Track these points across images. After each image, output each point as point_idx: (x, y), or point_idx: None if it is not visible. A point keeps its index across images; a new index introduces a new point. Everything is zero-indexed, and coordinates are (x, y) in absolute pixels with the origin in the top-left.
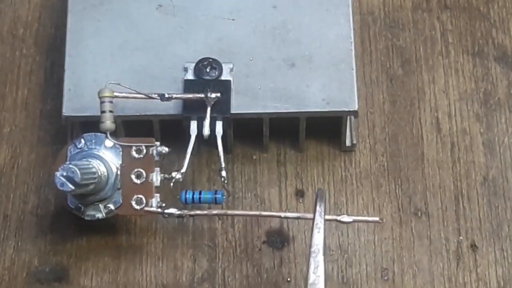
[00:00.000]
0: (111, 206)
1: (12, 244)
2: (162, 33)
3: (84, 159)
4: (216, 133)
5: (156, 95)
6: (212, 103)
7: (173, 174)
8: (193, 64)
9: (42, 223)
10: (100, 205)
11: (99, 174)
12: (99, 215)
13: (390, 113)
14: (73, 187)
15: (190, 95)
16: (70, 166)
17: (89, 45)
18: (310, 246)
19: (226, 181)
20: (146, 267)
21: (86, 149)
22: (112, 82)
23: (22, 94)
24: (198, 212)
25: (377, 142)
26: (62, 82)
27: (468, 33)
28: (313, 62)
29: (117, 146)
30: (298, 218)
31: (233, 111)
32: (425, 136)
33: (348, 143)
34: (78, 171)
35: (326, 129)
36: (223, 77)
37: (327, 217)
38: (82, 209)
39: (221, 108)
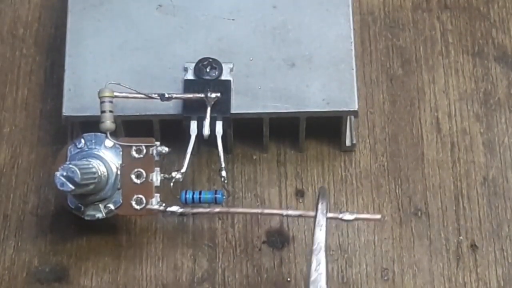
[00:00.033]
0: (111, 206)
1: (12, 244)
2: (162, 33)
3: (84, 159)
4: (216, 133)
5: (156, 95)
6: (212, 103)
7: (173, 174)
8: (193, 64)
9: (42, 223)
10: (100, 205)
11: (99, 174)
12: (99, 215)
13: (390, 113)
14: (73, 187)
15: (190, 95)
16: (70, 166)
17: (89, 45)
18: (312, 244)
19: (226, 181)
20: (146, 267)
21: (86, 149)
22: (112, 82)
23: (22, 94)
24: (201, 209)
25: (377, 142)
26: (62, 82)
27: (468, 33)
28: (313, 62)
29: (117, 146)
30: (299, 216)
31: (233, 111)
32: (425, 136)
33: (348, 143)
34: (78, 171)
35: (326, 129)
36: (223, 77)
37: (329, 214)
38: (82, 209)
39: (221, 108)
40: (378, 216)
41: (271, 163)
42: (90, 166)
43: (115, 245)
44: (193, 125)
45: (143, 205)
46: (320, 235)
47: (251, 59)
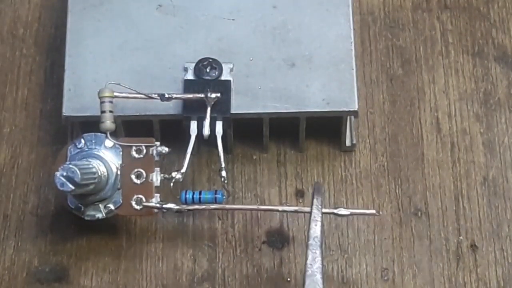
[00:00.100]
0: (111, 206)
1: (12, 244)
2: (162, 33)
3: (84, 159)
4: (216, 133)
5: (156, 95)
6: (212, 103)
7: (173, 174)
8: (193, 64)
9: (42, 223)
10: (100, 205)
11: (99, 174)
12: (99, 215)
13: (390, 113)
14: (73, 187)
15: (190, 95)
16: (70, 166)
17: (89, 45)
18: (308, 239)
19: (226, 181)
20: (146, 267)
21: (86, 149)
22: (112, 82)
23: (22, 94)
24: (197, 206)
25: (377, 142)
26: (62, 82)
27: (468, 33)
28: (313, 62)
29: (117, 146)
30: (295, 211)
31: (233, 111)
32: (425, 136)
33: (348, 143)
34: (78, 171)
35: (326, 129)
36: (223, 77)
37: (324, 210)
38: (82, 209)
39: (221, 108)
40: (373, 211)
41: (271, 163)
42: (90, 166)
43: (115, 245)
44: (193, 125)
45: (145, 202)
46: (315, 230)
47: (251, 59)
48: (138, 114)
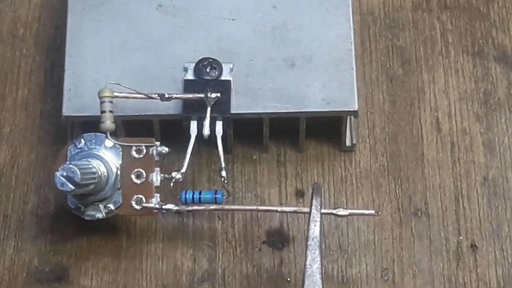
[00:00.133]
0: (111, 206)
1: (12, 244)
2: (162, 33)
3: (84, 159)
4: (216, 133)
5: (156, 95)
6: (212, 103)
7: (173, 174)
8: (193, 64)
9: (42, 223)
10: (100, 205)
11: (99, 174)
12: (99, 215)
13: (390, 113)
14: (73, 187)
15: (190, 95)
16: (70, 166)
17: (89, 45)
18: (307, 239)
19: (226, 181)
20: (146, 267)
21: (86, 149)
22: (112, 82)
23: (22, 94)
24: (195, 207)
25: (377, 142)
26: (62, 82)
27: (468, 33)
28: (313, 62)
29: (117, 146)
30: (294, 212)
31: (233, 111)
32: (425, 136)
33: (348, 143)
34: (78, 171)
35: (326, 129)
36: (223, 77)
37: (324, 210)
38: (82, 209)
39: (221, 108)
40: (372, 211)
41: (271, 163)
42: (90, 166)
43: (115, 245)
44: (193, 125)
45: (144, 203)
46: (315, 231)
47: (251, 59)
48: (138, 114)
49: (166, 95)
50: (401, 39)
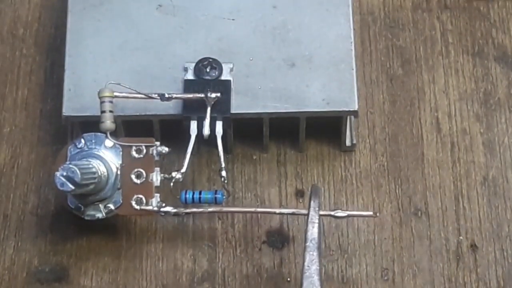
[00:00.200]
0: (111, 206)
1: (12, 244)
2: (162, 33)
3: (84, 159)
4: (216, 133)
5: (156, 95)
6: (212, 103)
7: (173, 174)
8: (193, 64)
9: (42, 223)
10: (100, 205)
11: (99, 174)
12: (99, 215)
13: (390, 113)
14: (73, 187)
15: (190, 95)
16: (70, 166)
17: (89, 45)
18: (305, 241)
19: (226, 181)
20: (146, 267)
21: (86, 149)
22: (112, 82)
23: (22, 94)
24: (194, 209)
25: (377, 142)
26: (62, 82)
27: (468, 33)
28: (313, 62)
29: (117, 146)
30: (292, 213)
31: (233, 111)
32: (425, 136)
33: (348, 143)
34: (78, 171)
35: (326, 129)
36: (223, 77)
37: (322, 212)
38: (82, 209)
39: (221, 108)
40: (370, 213)
41: (271, 163)
42: (90, 166)
43: (115, 245)
44: (193, 125)
45: (143, 205)
46: (313, 232)
47: (251, 59)
48: (138, 114)
49: (166, 95)
50: (401, 39)
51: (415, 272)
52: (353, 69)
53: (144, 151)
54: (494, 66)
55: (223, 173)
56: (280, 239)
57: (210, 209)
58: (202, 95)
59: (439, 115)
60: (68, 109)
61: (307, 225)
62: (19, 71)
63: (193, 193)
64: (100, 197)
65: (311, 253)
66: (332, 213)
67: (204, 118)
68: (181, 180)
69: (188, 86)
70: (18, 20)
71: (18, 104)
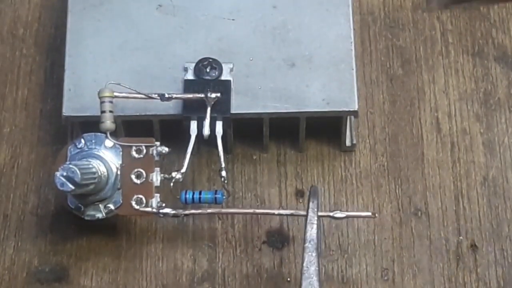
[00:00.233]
0: (111, 206)
1: (12, 244)
2: (162, 33)
3: (84, 159)
4: (216, 133)
5: (156, 95)
6: (212, 103)
7: (173, 174)
8: (193, 64)
9: (42, 223)
10: (100, 205)
11: (99, 174)
12: (99, 215)
13: (390, 113)
14: (73, 187)
15: (190, 95)
16: (70, 166)
17: (89, 45)
18: (304, 242)
19: (226, 181)
20: (146, 267)
21: (86, 149)
22: (112, 82)
23: (22, 94)
24: (193, 211)
25: (377, 142)
26: (62, 82)
27: (468, 33)
28: (313, 62)
29: (117, 146)
30: (291, 214)
31: (233, 111)
32: (425, 136)
33: (348, 143)
34: (78, 171)
35: (326, 129)
36: (223, 77)
37: (321, 213)
38: (82, 209)
39: (221, 108)
40: (369, 213)
41: (271, 163)
42: (90, 166)
43: (115, 245)
44: (193, 125)
45: (143, 205)
46: (311, 233)
47: (251, 59)
48: (138, 114)
49: (166, 95)
50: (401, 39)
51: (415, 272)
52: (353, 69)
53: (144, 151)
54: (494, 66)
55: (223, 173)
56: (280, 239)
57: (209, 211)
58: (202, 95)
59: (439, 115)
60: (68, 109)
61: (306, 226)
62: (19, 71)
63: (193, 193)
64: (100, 197)
65: (310, 254)
66: (331, 214)
67: (204, 118)
68: (181, 180)
69: (188, 86)
70: (18, 20)
71: (18, 104)
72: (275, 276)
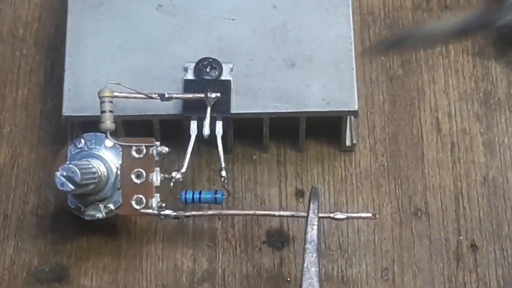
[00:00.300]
0: (111, 206)
1: (12, 244)
2: (162, 33)
3: (84, 159)
4: (216, 133)
5: (156, 95)
6: (212, 103)
7: (173, 174)
8: (193, 64)
9: (42, 223)
10: (100, 205)
11: (99, 174)
12: (99, 215)
13: (390, 113)
14: (73, 187)
15: (190, 95)
16: (70, 166)
17: (89, 45)
18: (304, 243)
19: (226, 181)
20: (146, 267)
21: (86, 149)
22: (112, 82)
23: (22, 94)
24: (194, 212)
25: (377, 142)
26: (62, 82)
27: None
28: (313, 62)
29: (117, 146)
30: (292, 216)
31: (233, 111)
32: (425, 136)
33: (348, 143)
34: (78, 171)
35: (326, 129)
36: (223, 77)
37: (321, 214)
38: (82, 209)
39: (221, 108)
40: (370, 214)
41: (271, 163)
42: (90, 166)
43: (115, 245)
44: (193, 125)
45: (143, 205)
46: (312, 234)
47: (251, 59)
48: (138, 114)
49: (166, 95)
50: None
51: (415, 272)
52: (353, 69)
53: (144, 151)
54: (494, 66)
55: (223, 173)
56: (280, 239)
57: (210, 212)
58: (202, 95)
59: (439, 115)
60: (68, 109)
61: (306, 227)
62: (19, 71)
63: (193, 193)
64: (100, 197)
65: (310, 254)
66: (331, 215)
67: (204, 118)
68: (181, 180)
69: (188, 86)
70: (18, 20)
71: (18, 104)
72: (275, 276)
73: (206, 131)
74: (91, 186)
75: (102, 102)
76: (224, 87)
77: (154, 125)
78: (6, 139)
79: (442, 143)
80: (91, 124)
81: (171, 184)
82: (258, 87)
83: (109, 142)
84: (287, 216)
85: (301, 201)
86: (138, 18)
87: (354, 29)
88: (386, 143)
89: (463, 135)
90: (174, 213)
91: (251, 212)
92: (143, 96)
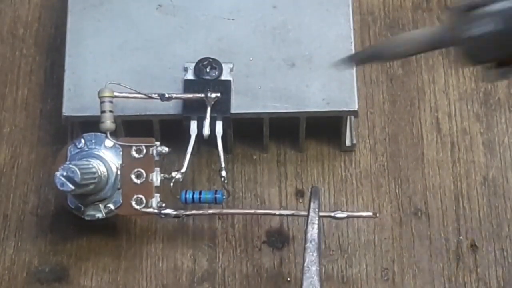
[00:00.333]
0: (111, 206)
1: (12, 244)
2: (162, 33)
3: (84, 159)
4: (216, 133)
5: (156, 95)
6: (212, 103)
7: (173, 174)
8: (193, 64)
9: (42, 223)
10: (100, 205)
11: (99, 174)
12: (99, 215)
13: (390, 113)
14: (73, 187)
15: (190, 95)
16: (70, 166)
17: (89, 45)
18: (305, 242)
19: (226, 181)
20: (146, 267)
21: (86, 149)
22: (112, 82)
23: (22, 94)
24: (194, 211)
25: (377, 142)
26: (62, 82)
27: None
28: (313, 62)
29: (117, 146)
30: (292, 215)
31: (233, 111)
32: (425, 136)
33: (348, 143)
34: (78, 171)
35: (326, 129)
36: (223, 77)
37: (322, 213)
38: (82, 209)
39: (221, 108)
40: (370, 213)
41: (271, 163)
42: (90, 166)
43: (115, 245)
44: (193, 125)
45: (143, 205)
46: (312, 233)
47: (251, 59)
48: (138, 114)
49: (166, 95)
50: None
51: (415, 272)
52: (353, 69)
53: (144, 151)
54: None
55: (223, 173)
56: (280, 239)
57: (210, 211)
58: (202, 95)
59: (439, 115)
60: (68, 109)
61: (307, 226)
62: (19, 71)
63: (193, 193)
64: (100, 197)
65: (311, 254)
66: (332, 214)
67: (204, 118)
68: (181, 180)
69: (188, 86)
70: (18, 20)
71: (18, 104)
72: (275, 276)
73: (206, 131)
74: (91, 186)
75: (102, 102)
76: (224, 87)
77: (154, 125)
78: (6, 139)
79: (442, 143)
80: (91, 124)
81: (171, 184)
82: (258, 87)
83: (109, 142)
84: (288, 215)
85: (301, 201)
86: (138, 18)
87: (354, 29)
88: (386, 143)
89: (463, 135)
90: (175, 212)
91: (251, 211)
92: (143, 96)
